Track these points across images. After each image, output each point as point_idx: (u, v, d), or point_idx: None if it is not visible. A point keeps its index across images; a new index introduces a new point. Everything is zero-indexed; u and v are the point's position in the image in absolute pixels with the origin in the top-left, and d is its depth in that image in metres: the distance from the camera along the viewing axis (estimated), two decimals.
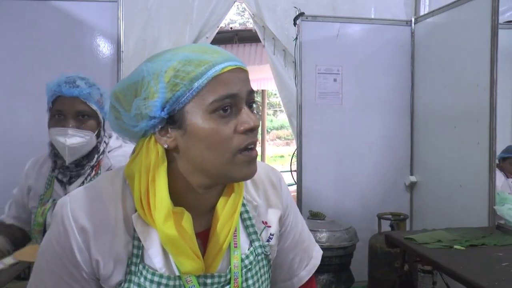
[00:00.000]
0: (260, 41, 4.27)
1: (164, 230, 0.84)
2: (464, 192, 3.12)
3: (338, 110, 3.56)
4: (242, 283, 0.95)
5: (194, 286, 0.90)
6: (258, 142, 0.90)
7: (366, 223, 3.42)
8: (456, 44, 3.25)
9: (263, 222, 1.04)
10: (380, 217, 3.20)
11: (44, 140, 1.80)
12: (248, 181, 1.04)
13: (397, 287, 2.54)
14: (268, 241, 1.04)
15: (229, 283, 0.94)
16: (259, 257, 1.00)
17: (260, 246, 1.01)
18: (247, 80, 0.91)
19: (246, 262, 0.97)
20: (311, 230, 2.75)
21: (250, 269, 0.97)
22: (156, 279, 0.88)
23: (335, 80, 3.52)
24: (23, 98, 2.99)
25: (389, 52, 3.65)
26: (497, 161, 3.99)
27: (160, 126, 0.86)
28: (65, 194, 1.46)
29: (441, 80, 3.41)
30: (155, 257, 0.89)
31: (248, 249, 0.99)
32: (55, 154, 1.73)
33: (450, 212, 3.23)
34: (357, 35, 3.60)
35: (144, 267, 0.89)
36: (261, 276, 1.00)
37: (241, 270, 0.95)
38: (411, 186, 3.75)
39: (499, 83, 4.13)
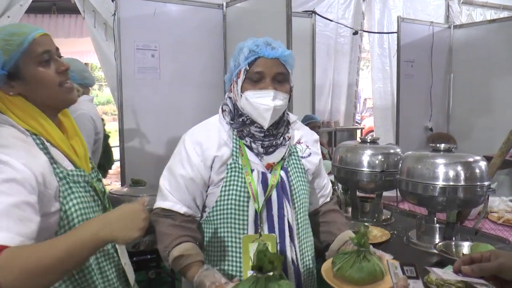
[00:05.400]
0: (80, 13, 4.22)
1: None
2: None
3: (156, 84, 3.79)
4: None
5: None
6: None
7: None
8: (260, 28, 3.70)
9: None
10: None
11: None
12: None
13: None
14: None
15: None
16: None
17: None
18: (52, 41, 1.33)
19: None
20: (131, 196, 3.04)
21: None
22: None
23: (152, 56, 3.73)
24: None
25: (203, 32, 3.97)
26: None
27: (3, 82, 1.26)
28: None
29: None
30: None
31: None
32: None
33: None
34: (173, 14, 3.84)
35: None
36: None
37: None
38: None
39: (300, 63, 4.80)
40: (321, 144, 5.00)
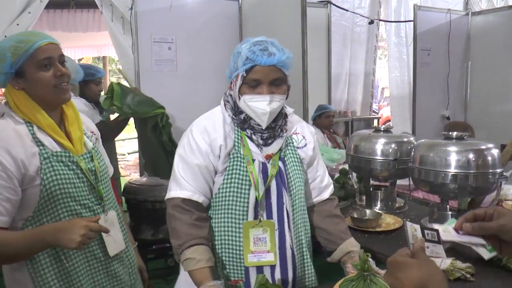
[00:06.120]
0: (98, 7, 4.29)
1: None
2: None
3: (173, 76, 3.85)
4: None
5: None
6: None
7: None
8: (275, 20, 3.74)
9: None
10: None
11: None
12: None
13: None
14: None
15: None
16: None
17: None
18: (57, 48, 1.57)
19: None
20: (150, 186, 3.12)
21: None
22: None
23: (169, 48, 3.79)
24: None
25: (219, 24, 4.01)
26: (313, 120, 4.70)
27: (12, 78, 1.52)
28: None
29: None
30: None
31: None
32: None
33: None
34: (189, 7, 3.89)
35: None
36: None
37: None
38: None
39: (316, 53, 4.82)
40: (335, 133, 5.06)
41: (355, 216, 2.40)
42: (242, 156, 1.64)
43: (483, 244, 1.07)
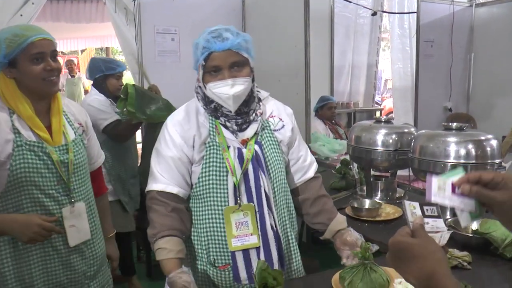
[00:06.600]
0: None
1: None
2: None
3: (176, 67, 3.87)
4: None
5: None
6: None
7: None
8: (278, 11, 3.75)
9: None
10: None
11: None
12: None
13: None
14: None
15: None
16: None
17: None
18: (50, 44, 1.69)
19: None
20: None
21: None
22: None
23: (172, 39, 3.81)
24: None
25: (222, 15, 4.02)
26: (315, 111, 4.72)
27: (5, 67, 1.65)
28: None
29: (268, 41, 3.91)
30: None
31: None
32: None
33: None
34: None
35: None
36: None
37: None
38: None
39: (318, 44, 4.83)
40: (337, 124, 5.08)
41: (355, 205, 2.44)
42: (217, 144, 1.67)
43: (471, 211, 1.00)
